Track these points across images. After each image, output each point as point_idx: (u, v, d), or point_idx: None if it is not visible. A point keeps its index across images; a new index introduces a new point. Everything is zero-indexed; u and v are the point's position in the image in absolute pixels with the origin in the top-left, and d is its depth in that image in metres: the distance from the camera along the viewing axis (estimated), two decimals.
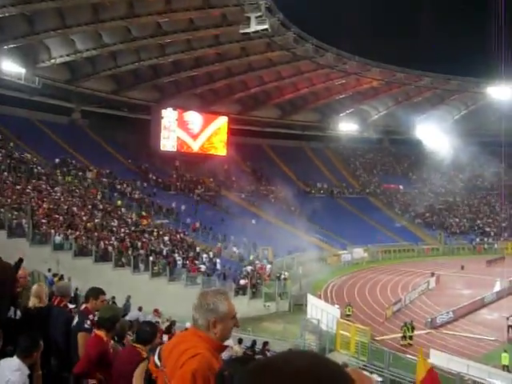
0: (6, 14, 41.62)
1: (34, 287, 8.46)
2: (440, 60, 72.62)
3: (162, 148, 63.46)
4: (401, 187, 78.08)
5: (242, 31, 49.85)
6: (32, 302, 7.75)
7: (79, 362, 5.77)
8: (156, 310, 19.80)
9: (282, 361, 1.19)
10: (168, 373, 3.07)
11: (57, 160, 49.46)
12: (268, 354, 16.78)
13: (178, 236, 44.97)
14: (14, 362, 4.88)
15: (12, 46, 45.96)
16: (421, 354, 17.87)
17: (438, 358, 25.50)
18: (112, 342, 6.25)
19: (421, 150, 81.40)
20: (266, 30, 49.29)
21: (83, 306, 6.65)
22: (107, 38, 50.15)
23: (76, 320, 6.38)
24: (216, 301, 3.14)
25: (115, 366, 5.45)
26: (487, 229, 70.56)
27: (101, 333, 5.82)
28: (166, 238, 42.92)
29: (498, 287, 42.17)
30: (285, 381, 1.12)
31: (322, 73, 66.96)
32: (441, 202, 74.95)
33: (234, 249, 47.58)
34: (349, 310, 34.57)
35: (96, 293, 6.64)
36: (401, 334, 29.97)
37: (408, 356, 26.07)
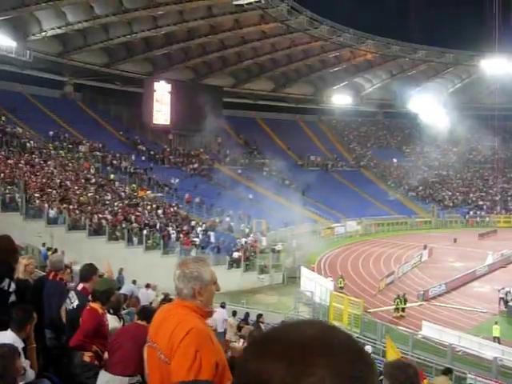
0: None
1: (22, 261, 8.37)
2: (434, 33, 72.32)
3: (154, 121, 63.08)
4: (394, 160, 78.09)
5: (235, 3, 49.38)
6: (20, 274, 7.61)
7: (75, 334, 5.77)
8: (148, 285, 19.79)
9: (291, 329, 1.15)
10: (162, 349, 3.03)
11: (49, 134, 49.19)
12: (262, 326, 16.87)
13: (172, 209, 44.95)
14: (7, 334, 4.89)
15: (2, 18, 45.40)
16: (389, 343, 18.14)
17: (430, 330, 25.80)
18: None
19: (415, 124, 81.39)
20: (260, 1, 48.82)
21: (81, 286, 6.52)
22: (99, 9, 49.66)
23: (76, 302, 6.24)
24: (199, 268, 3.15)
25: (120, 344, 5.45)
26: (480, 202, 70.76)
27: (96, 305, 5.81)
28: (160, 212, 42.93)
29: (489, 260, 42.45)
30: (295, 349, 1.08)
31: (316, 45, 66.66)
32: (434, 176, 75.05)
33: (228, 220, 47.65)
34: (341, 283, 34.80)
35: (95, 271, 6.59)
36: (393, 307, 30.24)
37: (400, 328, 26.37)
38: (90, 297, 6.18)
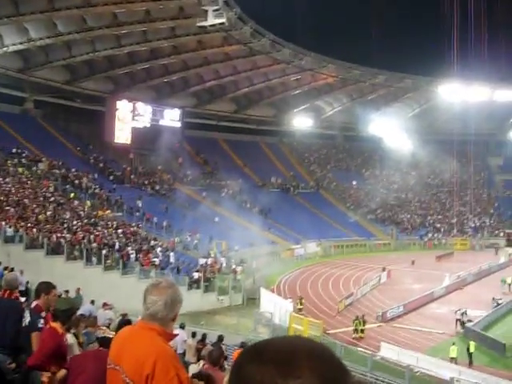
0: None
1: None
2: (394, 58, 73.58)
3: (116, 140, 62.61)
4: (354, 183, 79.00)
5: (198, 24, 49.67)
6: None
7: (33, 354, 5.68)
8: (105, 304, 19.56)
9: (280, 340, 1.30)
10: (127, 371, 2.99)
11: (8, 150, 48.43)
12: (223, 347, 16.83)
13: (132, 229, 44.59)
14: None
15: None
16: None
17: (389, 351, 26.09)
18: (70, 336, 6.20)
19: (375, 147, 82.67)
20: (223, 23, 49.21)
21: (34, 303, 6.47)
22: (62, 26, 49.33)
23: (28, 319, 6.17)
24: (171, 292, 3.12)
25: (83, 367, 5.39)
26: (438, 225, 72.10)
27: (56, 325, 5.75)
28: (119, 231, 42.55)
29: (446, 282, 43.23)
30: (284, 355, 1.23)
31: (278, 68, 67.31)
32: (393, 199, 76.27)
33: (188, 240, 47.57)
34: (300, 304, 34.93)
35: (47, 288, 6.48)
36: (352, 328, 30.46)
37: (359, 349, 26.56)
38: (42, 314, 6.13)
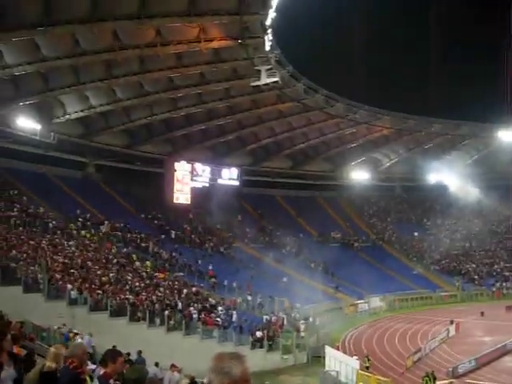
0: (23, 72, 42.44)
1: (51, 350, 8.14)
2: (450, 106, 72.96)
3: (175, 201, 63.53)
4: (416, 234, 77.55)
5: (252, 84, 50.45)
6: (48, 364, 7.43)
7: None
8: (173, 365, 19.44)
9: None
10: None
11: (71, 214, 49.67)
12: None
13: (193, 289, 44.63)
14: None
15: (28, 102, 46.74)
16: None
17: None
18: None
19: (434, 196, 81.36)
20: (277, 82, 49.87)
21: (102, 371, 6.45)
22: (120, 93, 50.96)
23: None
24: (231, 364, 3.07)
25: None
26: (506, 273, 69.60)
27: None
28: (181, 292, 42.65)
29: None
30: None
31: (332, 122, 67.57)
32: (457, 248, 74.27)
33: (250, 299, 47.35)
34: (367, 362, 33.90)
35: (113, 356, 6.48)
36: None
37: None
38: (111, 381, 6.10)
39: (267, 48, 46.12)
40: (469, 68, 74.43)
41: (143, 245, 50.98)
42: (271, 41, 45.27)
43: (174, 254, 51.82)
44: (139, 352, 23.21)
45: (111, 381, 6.17)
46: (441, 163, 77.11)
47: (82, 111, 51.82)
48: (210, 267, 51.31)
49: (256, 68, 48.67)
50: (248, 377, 3.16)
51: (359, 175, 78.64)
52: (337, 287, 57.47)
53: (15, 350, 8.12)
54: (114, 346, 17.25)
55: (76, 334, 24.09)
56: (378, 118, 67.64)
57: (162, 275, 45.01)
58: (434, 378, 29.44)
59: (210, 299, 43.59)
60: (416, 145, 77.09)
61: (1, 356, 6.52)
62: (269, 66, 48.37)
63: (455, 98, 71.08)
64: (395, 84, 75.99)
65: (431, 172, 77.77)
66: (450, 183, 77.53)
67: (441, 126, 70.80)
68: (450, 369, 32.73)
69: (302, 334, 42.00)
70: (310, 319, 45.71)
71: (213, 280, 49.45)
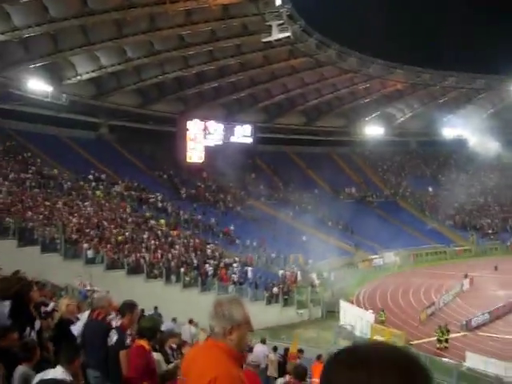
0: (32, 34, 42.30)
1: (62, 300, 8.59)
2: (464, 59, 71.92)
3: (188, 159, 63.60)
4: (430, 189, 77.28)
5: (263, 40, 49.96)
6: (61, 313, 7.88)
7: (127, 370, 5.82)
8: (191, 321, 19.80)
9: (371, 346, 1.42)
10: None
11: (86, 175, 49.97)
12: (300, 361, 16.65)
13: (208, 246, 45.01)
14: (57, 370, 4.96)
15: (38, 64, 46.67)
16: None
17: (475, 361, 25.18)
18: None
19: (449, 151, 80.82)
20: (289, 37, 49.31)
21: (119, 322, 6.67)
22: (131, 52, 50.71)
23: (115, 337, 6.39)
24: (231, 308, 3.19)
25: None
26: None
27: (143, 342, 5.87)
28: (196, 249, 43.05)
29: None
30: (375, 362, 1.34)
31: (345, 77, 66.92)
32: (471, 203, 74.00)
33: (265, 253, 47.81)
34: (382, 316, 34.22)
35: (130, 307, 6.67)
36: (436, 338, 29.61)
37: (444, 359, 25.78)
38: (128, 332, 6.31)
39: (278, 2, 45.50)
40: (483, 20, 73.03)
41: (157, 204, 51.28)
42: None
43: (187, 212, 52.08)
44: (155, 308, 23.61)
45: (128, 331, 6.37)
46: (456, 117, 76.45)
47: (93, 72, 51.72)
48: (230, 226, 51.48)
49: (267, 23, 48.15)
50: (248, 319, 3.25)
51: (373, 130, 78.07)
52: (356, 245, 57.60)
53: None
54: None
55: (93, 291, 24.43)
56: (392, 73, 66.86)
57: (176, 232, 45.39)
58: (448, 331, 29.75)
59: (225, 256, 43.96)
60: (431, 99, 76.31)
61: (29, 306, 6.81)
62: (280, 21, 47.82)
63: (469, 51, 69.95)
64: (408, 37, 74.84)
65: (446, 126, 77.10)
66: (466, 138, 76.85)
67: (455, 80, 69.92)
68: (464, 322, 33.03)
69: (317, 289, 42.40)
70: (325, 274, 46.08)
71: (228, 237, 49.80)
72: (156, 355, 6.98)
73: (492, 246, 65.85)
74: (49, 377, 4.87)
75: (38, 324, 6.87)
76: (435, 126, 76.57)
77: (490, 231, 68.83)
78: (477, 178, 77.87)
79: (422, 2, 78.64)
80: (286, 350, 19.35)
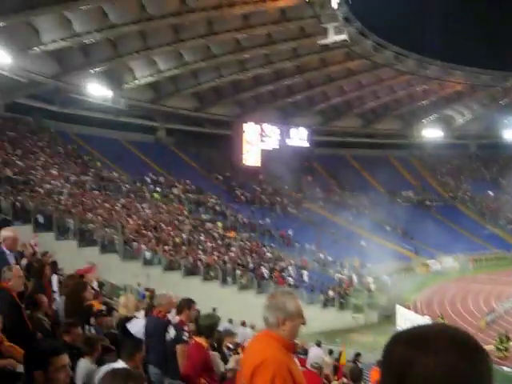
0: (92, 40, 43.32)
1: (121, 298, 8.86)
2: None
3: (244, 162, 63.97)
4: (490, 193, 75.52)
5: (320, 42, 49.84)
6: (120, 311, 8.15)
7: (184, 367, 5.94)
8: (244, 323, 20.01)
9: (436, 327, 1.48)
10: (244, 373, 3.25)
11: (144, 177, 50.81)
12: (359, 365, 16.52)
13: (264, 249, 45.15)
14: (119, 364, 5.09)
15: (98, 69, 47.78)
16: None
17: None
18: None
19: (510, 154, 78.74)
20: (345, 40, 49.05)
21: (178, 318, 6.83)
22: (188, 56, 51.35)
23: (173, 333, 6.54)
24: (284, 300, 3.33)
25: None
26: None
27: (201, 339, 5.97)
28: (252, 251, 43.25)
29: None
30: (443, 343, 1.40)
31: (403, 79, 66.15)
32: None
33: (322, 257, 47.64)
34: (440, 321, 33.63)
35: (188, 303, 6.80)
36: (496, 346, 28.86)
37: (505, 368, 25.14)
38: (185, 327, 6.45)
39: (334, 5, 45.34)
40: None
41: (214, 206, 51.71)
42: None
43: (244, 215, 52.35)
44: (214, 309, 23.87)
45: (186, 327, 6.50)
46: None
47: (150, 76, 52.61)
48: (287, 229, 51.54)
49: (323, 26, 47.99)
50: (301, 311, 3.34)
51: (431, 133, 76.89)
52: (416, 250, 56.80)
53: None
54: None
55: (152, 292, 24.80)
56: (450, 74, 65.71)
57: (232, 234, 45.71)
58: (508, 339, 28.99)
59: (281, 259, 44.01)
60: (491, 100, 74.58)
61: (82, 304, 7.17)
62: (336, 24, 47.56)
63: None
64: (467, 38, 73.31)
65: (507, 128, 75.27)
66: None
67: None
68: None
69: (373, 293, 42.00)
70: (382, 279, 45.60)
71: (284, 240, 49.85)
72: (214, 354, 7.07)
73: None
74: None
75: (92, 321, 7.21)
76: (496, 128, 74.85)
77: None
78: None
79: (478, 3, 76.91)
80: (340, 353, 19.25)
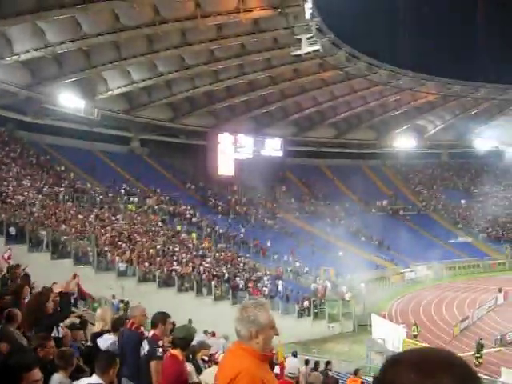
0: (65, 50, 43.03)
1: (98, 311, 8.79)
2: (496, 70, 71.05)
3: (219, 173, 63.90)
4: (463, 201, 76.37)
5: (293, 53, 50.11)
6: (97, 325, 8.07)
7: (158, 380, 5.87)
8: (214, 334, 20.02)
9: (423, 351, 1.56)
10: None
11: (118, 188, 50.48)
12: (330, 373, 16.54)
13: (239, 259, 45.07)
14: (93, 378, 5.03)
15: (71, 80, 47.46)
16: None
17: (510, 376, 24.70)
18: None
19: (481, 163, 79.80)
20: (318, 50, 49.37)
21: (151, 333, 6.75)
22: (162, 67, 51.26)
23: (147, 348, 6.46)
24: (256, 313, 3.28)
25: None
26: None
27: (176, 352, 5.90)
28: (227, 262, 43.14)
29: None
30: (426, 364, 1.46)
31: (375, 90, 66.75)
32: (505, 215, 72.89)
33: (298, 265, 47.77)
34: (415, 330, 33.76)
35: (163, 318, 6.73)
36: (471, 353, 29.00)
37: (479, 375, 25.28)
38: (160, 343, 6.38)
39: (307, 16, 45.64)
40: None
41: (189, 217, 51.54)
42: (311, 8, 44.76)
43: (218, 225, 52.25)
44: (189, 320, 23.74)
45: (160, 342, 6.42)
46: (488, 128, 75.60)
47: (124, 86, 52.42)
48: (261, 240, 51.54)
49: (296, 37, 48.27)
50: (273, 323, 3.34)
51: (404, 143, 77.66)
52: (392, 260, 57.13)
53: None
54: None
55: (126, 304, 24.66)
56: (422, 84, 66.49)
57: (207, 245, 45.58)
58: (482, 346, 29.21)
59: (256, 269, 43.97)
60: (462, 110, 75.57)
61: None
62: (309, 35, 47.90)
63: (502, 62, 69.09)
64: (437, 49, 74.24)
65: (478, 138, 76.28)
66: (499, 149, 75.88)
67: (487, 91, 69.19)
68: (498, 337, 32.44)
69: (348, 302, 42.09)
70: (356, 288, 45.75)
71: (258, 250, 49.83)
72: (189, 366, 7.02)
73: None
74: None
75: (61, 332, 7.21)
76: (467, 137, 75.88)
77: None
78: (510, 190, 76.75)
79: (452, 15, 77.95)
80: (316, 362, 19.25)
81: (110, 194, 48.46)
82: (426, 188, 79.77)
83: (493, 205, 73.18)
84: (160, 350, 6.34)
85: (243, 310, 3.32)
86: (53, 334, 6.91)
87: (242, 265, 43.81)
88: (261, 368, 3.20)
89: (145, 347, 6.46)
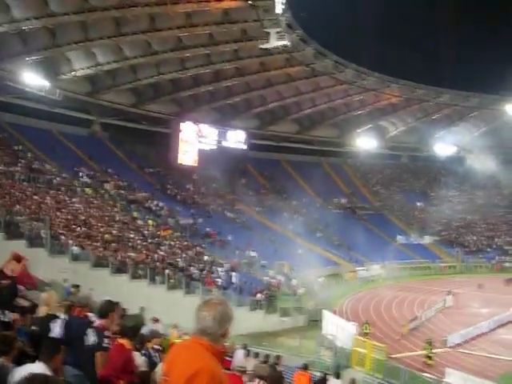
0: (30, 27, 42.20)
1: (43, 295, 8.58)
2: (459, 77, 72.35)
3: (180, 161, 63.51)
4: (419, 204, 77.59)
5: (261, 46, 50.09)
6: (42, 310, 7.89)
7: (104, 367, 5.81)
8: (156, 319, 19.97)
9: None
10: (173, 381, 3.12)
11: (76, 171, 49.81)
12: (277, 367, 16.65)
13: (195, 249, 44.97)
14: (37, 365, 4.95)
15: (35, 58, 46.53)
16: None
17: (454, 378, 25.19)
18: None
19: (440, 167, 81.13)
20: (286, 45, 49.44)
21: (98, 323, 6.62)
22: (128, 51, 50.62)
23: (93, 338, 6.33)
24: (228, 311, 3.25)
25: None
26: (506, 247, 69.74)
27: (123, 341, 5.86)
28: (182, 251, 42.99)
29: None
30: None
31: (340, 88, 67.17)
32: (459, 220, 74.36)
33: (253, 255, 47.89)
34: (366, 328, 34.05)
35: (111, 306, 6.65)
36: (420, 352, 29.46)
37: (425, 374, 25.78)
38: (106, 333, 6.27)
39: (278, 10, 45.62)
40: (480, 40, 73.52)
41: (146, 204, 51.18)
42: (283, 3, 44.76)
43: (176, 214, 52.02)
44: (141, 308, 23.63)
45: (106, 332, 6.33)
46: (448, 134, 76.84)
47: (88, 68, 51.58)
48: (218, 230, 51.52)
49: (265, 30, 48.26)
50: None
51: (365, 143, 78.38)
52: (348, 258, 57.61)
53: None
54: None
55: (77, 287, 24.34)
56: (387, 86, 67.22)
57: (164, 233, 45.34)
58: (430, 345, 29.64)
59: (212, 260, 43.92)
60: (424, 114, 76.67)
61: None
62: (278, 29, 47.94)
63: (465, 69, 70.38)
64: (404, 53, 75.15)
65: (438, 142, 77.51)
66: (457, 154, 77.24)
67: (449, 97, 70.34)
68: (445, 338, 33.05)
69: (301, 297, 42.38)
70: (309, 283, 46.09)
71: (214, 241, 49.81)
72: (137, 355, 6.98)
73: (477, 263, 66.10)
74: (28, 371, 4.87)
75: (9, 316, 6.98)
76: (427, 141, 77.06)
77: (475, 249, 69.14)
78: (466, 195, 78.32)
79: (421, 19, 79.08)
80: (267, 355, 19.34)
81: (67, 176, 47.76)
82: (383, 188, 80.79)
83: (448, 209, 74.55)
84: (106, 340, 6.24)
85: (206, 305, 3.24)
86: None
87: (196, 255, 43.69)
88: (218, 365, 3.15)
89: (90, 337, 6.33)
